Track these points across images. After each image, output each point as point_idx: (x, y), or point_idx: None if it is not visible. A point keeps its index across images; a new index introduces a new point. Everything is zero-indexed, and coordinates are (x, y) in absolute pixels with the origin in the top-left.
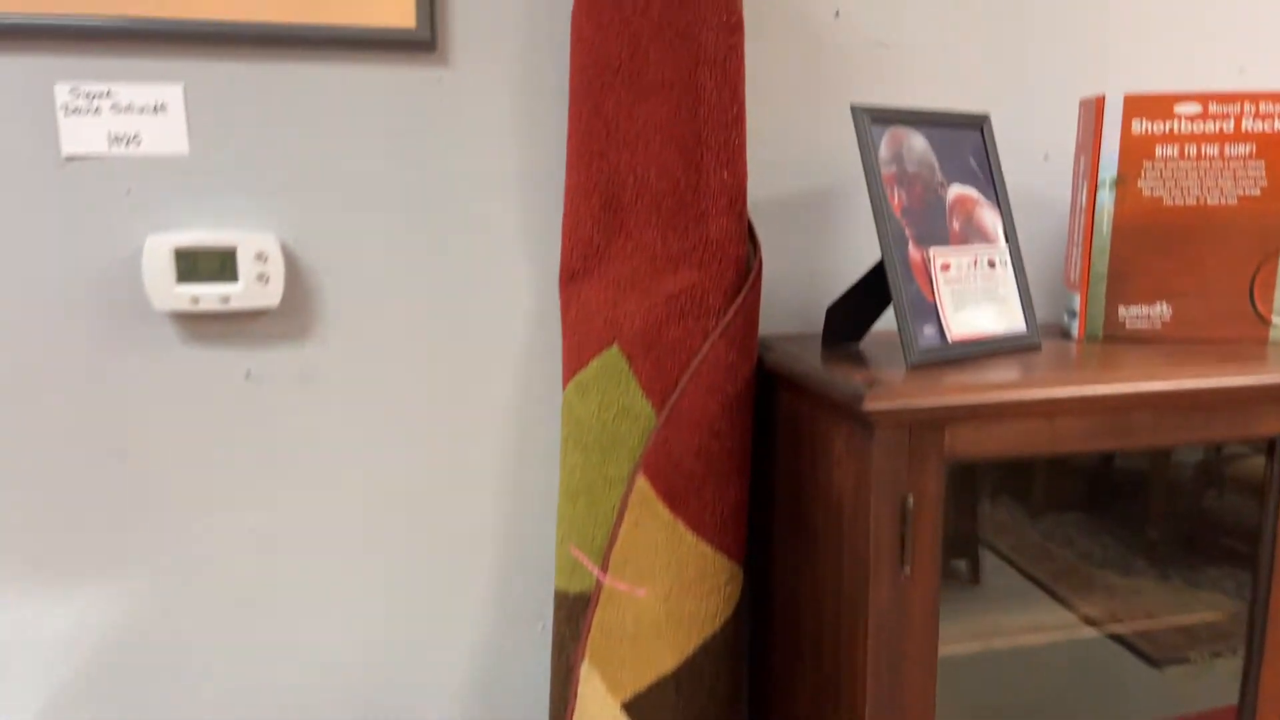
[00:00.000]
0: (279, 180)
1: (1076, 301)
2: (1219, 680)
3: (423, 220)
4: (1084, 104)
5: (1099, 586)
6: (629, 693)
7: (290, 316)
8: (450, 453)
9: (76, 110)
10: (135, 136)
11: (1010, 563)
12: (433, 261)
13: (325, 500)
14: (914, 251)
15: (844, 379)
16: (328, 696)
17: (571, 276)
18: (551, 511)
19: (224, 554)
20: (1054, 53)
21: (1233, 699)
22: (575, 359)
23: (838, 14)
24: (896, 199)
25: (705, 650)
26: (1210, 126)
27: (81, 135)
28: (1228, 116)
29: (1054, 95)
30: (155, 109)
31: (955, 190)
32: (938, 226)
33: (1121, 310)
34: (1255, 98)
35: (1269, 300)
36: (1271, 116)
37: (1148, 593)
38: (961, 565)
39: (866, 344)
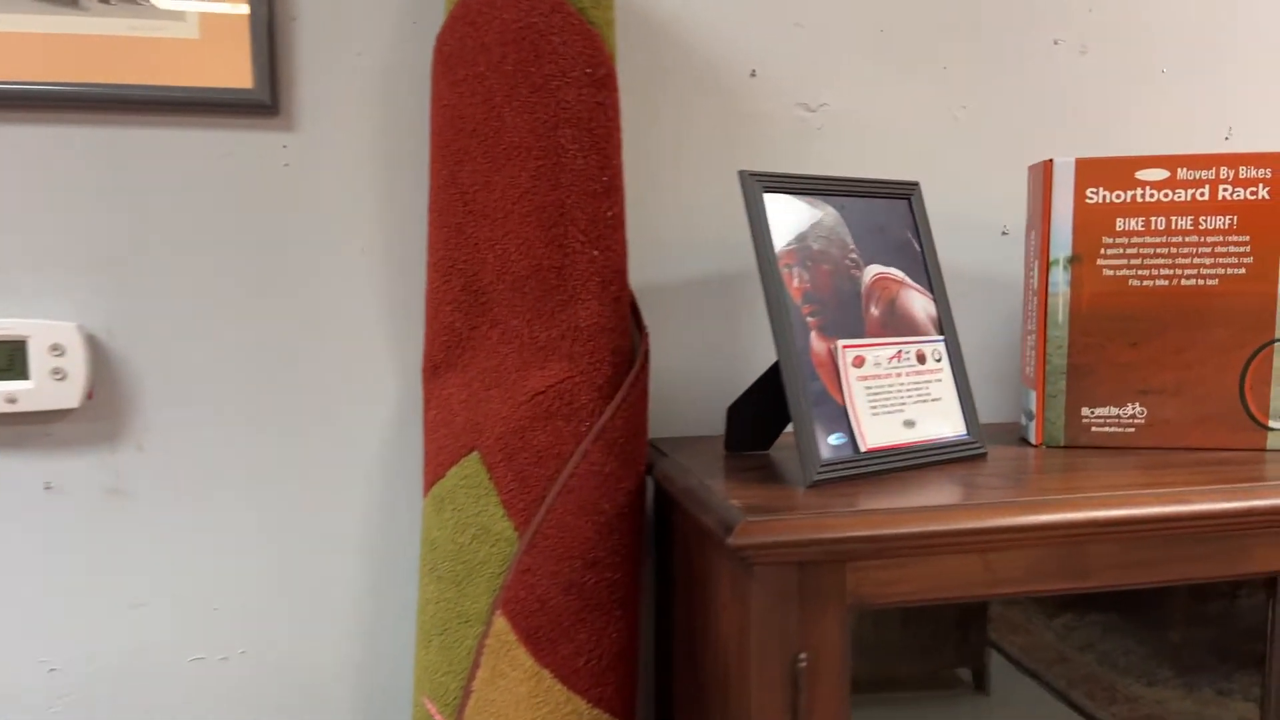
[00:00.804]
0: (84, 260)
1: (1033, 400)
2: None
3: (264, 305)
4: (1032, 170)
5: (1121, 696)
6: None
7: (97, 418)
8: (291, 580)
9: None
10: None
11: (1023, 668)
12: (276, 352)
13: (135, 637)
14: (818, 343)
15: (720, 501)
16: None
17: (434, 369)
18: (413, 653)
19: (16, 696)
20: (1012, 112)
21: None
22: (433, 467)
23: (754, 73)
24: (796, 281)
25: None
26: (1181, 195)
27: None
28: (1201, 184)
29: (1012, 161)
30: None
31: (874, 271)
32: (849, 314)
33: (1086, 411)
34: (1233, 160)
35: (1264, 400)
36: (1255, 183)
37: (1174, 704)
38: (966, 674)
39: (780, 452)
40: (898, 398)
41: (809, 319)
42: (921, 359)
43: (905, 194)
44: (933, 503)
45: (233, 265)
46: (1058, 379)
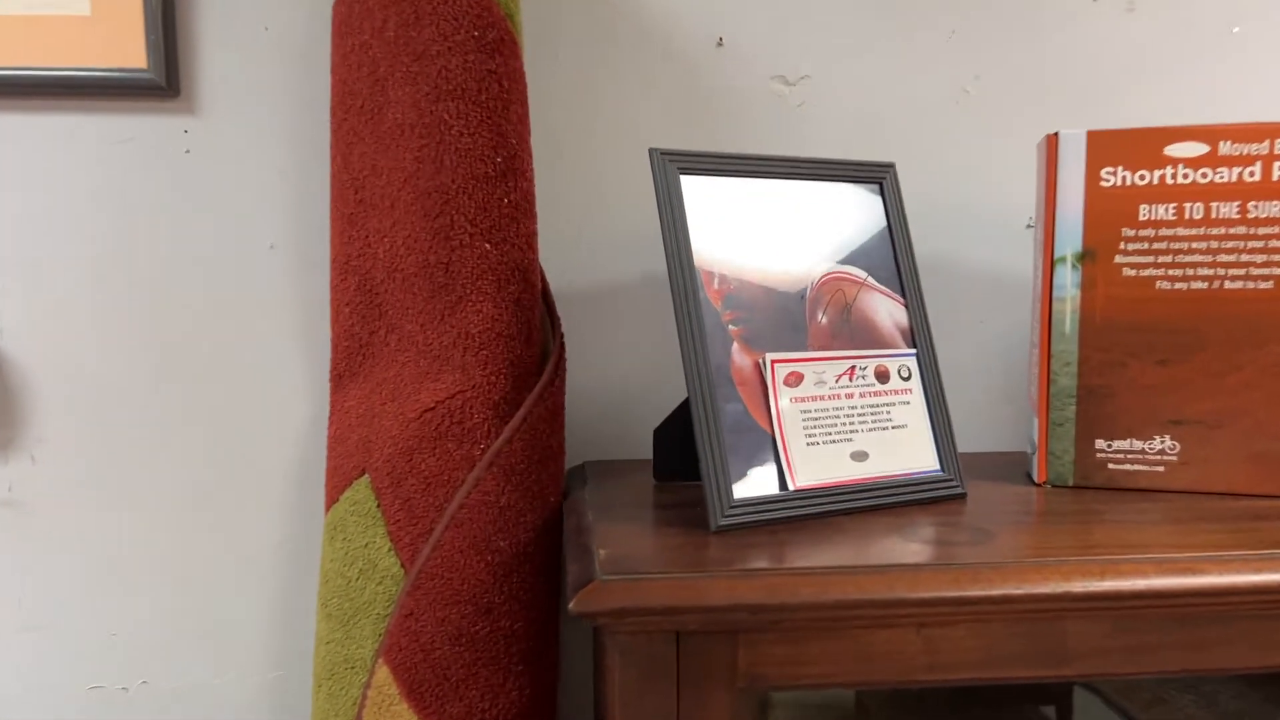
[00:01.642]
0: None
1: (1036, 429)
2: None
3: (166, 306)
4: (1038, 148)
5: None
6: None
7: None
8: (196, 605)
9: None
10: None
11: (1115, 707)
12: (179, 358)
13: (30, 662)
14: (741, 357)
15: (584, 552)
16: None
17: (339, 378)
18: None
19: None
20: (1036, 84)
21: None
22: (330, 490)
23: (721, 42)
24: (717, 283)
25: None
26: (1224, 175)
27: None
28: (1251, 160)
29: (1036, 142)
30: None
31: (823, 270)
32: (787, 322)
33: (1101, 445)
34: None
35: None
36: None
37: None
38: (1050, 712)
39: None
40: (846, 424)
41: (730, 327)
42: (883, 376)
43: (877, 177)
44: (860, 560)
45: (131, 262)
46: (1065, 403)
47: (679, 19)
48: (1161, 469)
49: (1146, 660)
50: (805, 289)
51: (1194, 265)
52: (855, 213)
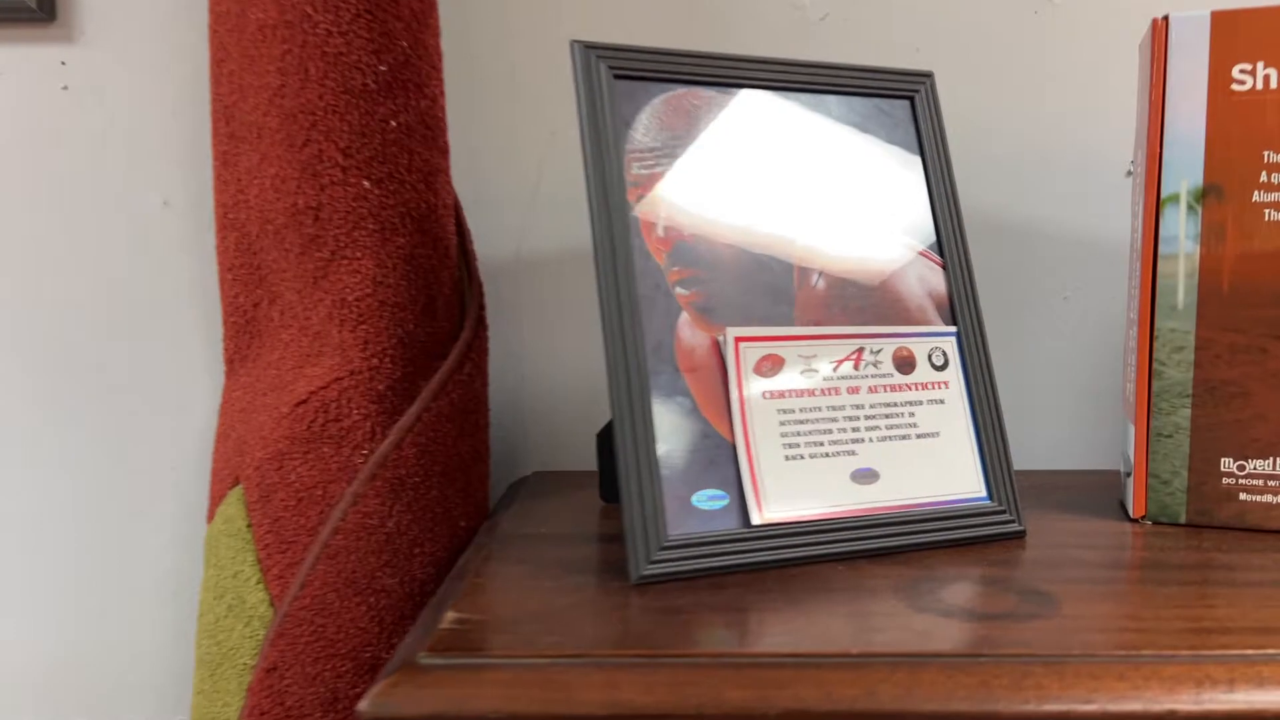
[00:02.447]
0: None
1: (1132, 443)
2: None
3: (43, 276)
4: (1142, 44)
5: None
6: None
7: None
8: (76, 638)
9: None
10: None
11: None
12: (61, 337)
13: None
14: (691, 333)
15: (431, 613)
16: None
17: (231, 363)
18: None
19: None
20: None
21: None
22: (212, 502)
23: None
24: (662, 229)
25: None
26: None
27: None
28: None
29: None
30: None
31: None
32: (765, 286)
33: (1229, 466)
34: None
35: None
36: None
37: None
38: None
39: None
40: (846, 431)
41: (678, 290)
42: (906, 364)
43: (908, 90)
44: (832, 643)
45: (2, 223)
46: (1175, 406)
47: None
48: None
49: None
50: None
51: None
52: (875, 139)
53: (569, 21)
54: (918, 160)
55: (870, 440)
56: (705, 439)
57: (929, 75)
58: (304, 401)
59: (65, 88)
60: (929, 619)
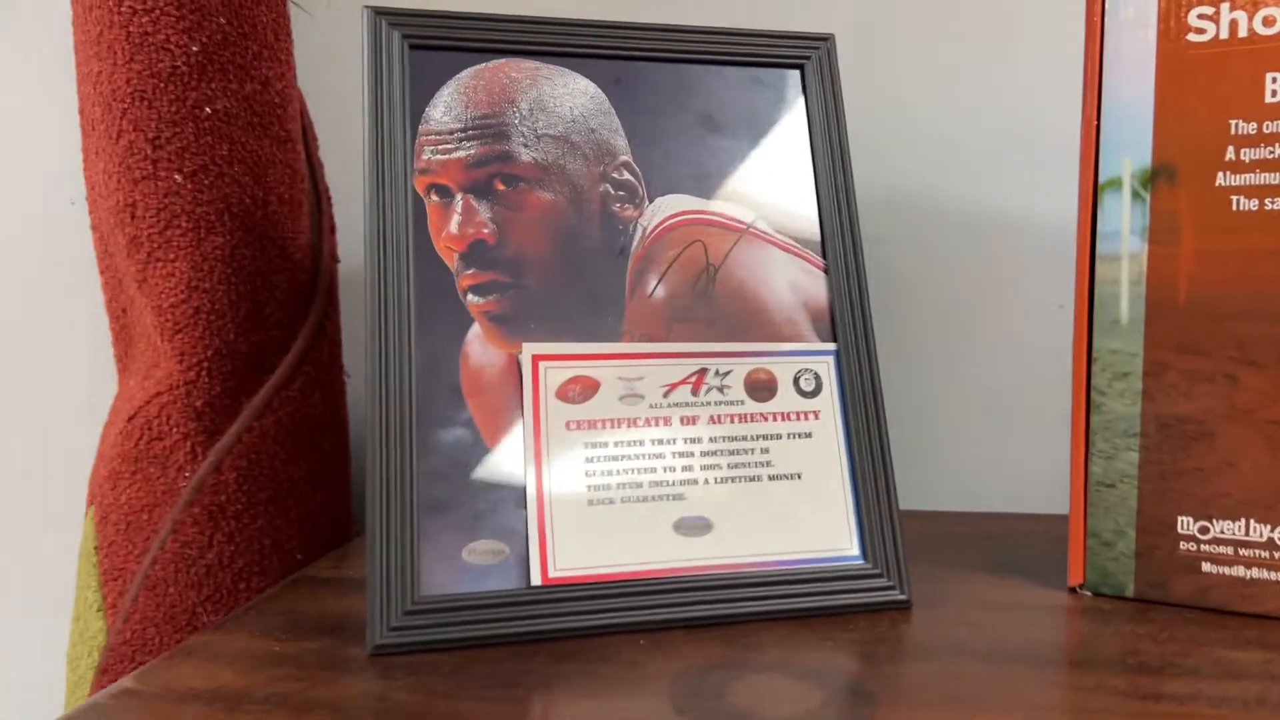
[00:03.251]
0: None
1: (1071, 493)
2: None
3: None
4: None
5: None
6: None
7: None
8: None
9: None
10: None
11: None
12: None
13: None
14: (483, 349)
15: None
16: None
17: (120, 372)
18: None
19: None
20: None
21: None
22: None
23: None
24: (456, 222)
25: None
26: None
27: None
28: None
29: None
30: None
31: (669, 207)
32: (587, 290)
33: (1188, 526)
34: None
35: None
36: None
37: None
38: None
39: None
40: (673, 470)
41: (469, 298)
42: (762, 389)
43: (796, 58)
44: None
45: None
46: (1118, 449)
47: None
48: None
49: None
50: (631, 238)
51: None
52: (741, 113)
53: None
54: (805, 140)
55: (706, 482)
56: (488, 476)
57: (826, 38)
58: (133, 417)
59: None
60: None
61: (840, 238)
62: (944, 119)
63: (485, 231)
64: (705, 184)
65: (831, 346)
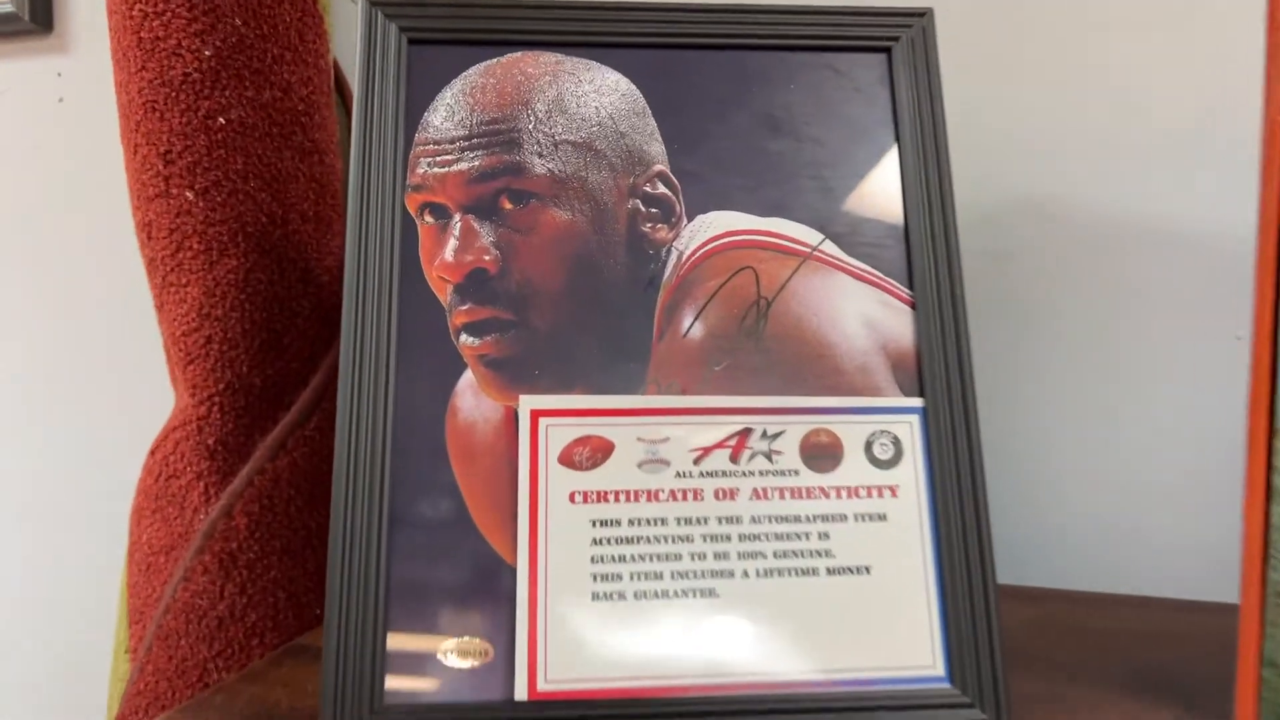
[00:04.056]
0: None
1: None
2: None
3: (41, 294)
4: None
5: None
6: None
7: None
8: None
9: None
10: None
11: None
12: (56, 359)
13: None
14: (475, 401)
15: None
16: None
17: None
18: None
19: None
20: None
21: None
22: None
23: None
24: (451, 250)
25: None
26: None
27: None
28: None
29: None
30: None
31: (717, 225)
32: (606, 329)
33: None
34: None
35: None
36: None
37: None
38: None
39: None
40: (704, 557)
41: (464, 339)
42: (824, 456)
43: (882, 40)
44: None
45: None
46: None
47: None
48: None
49: None
50: (664, 265)
51: None
52: (818, 114)
53: None
54: (891, 142)
55: (745, 574)
56: (475, 560)
57: (923, 14)
58: (154, 451)
59: (61, 100)
60: None
61: (933, 261)
62: (1083, 110)
63: (486, 258)
64: (760, 197)
65: (917, 403)
